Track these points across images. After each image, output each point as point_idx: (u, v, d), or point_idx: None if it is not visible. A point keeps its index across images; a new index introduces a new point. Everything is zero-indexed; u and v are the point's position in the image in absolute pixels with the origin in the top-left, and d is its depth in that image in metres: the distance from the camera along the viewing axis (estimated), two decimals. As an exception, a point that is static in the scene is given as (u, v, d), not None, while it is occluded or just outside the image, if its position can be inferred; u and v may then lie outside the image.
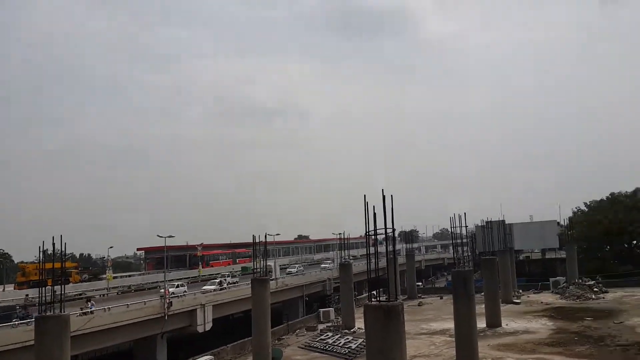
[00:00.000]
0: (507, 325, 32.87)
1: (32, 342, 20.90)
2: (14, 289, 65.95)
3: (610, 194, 68.36)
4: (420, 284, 68.31)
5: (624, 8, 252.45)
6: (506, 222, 53.80)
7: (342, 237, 41.91)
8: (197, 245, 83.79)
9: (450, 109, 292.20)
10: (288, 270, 75.71)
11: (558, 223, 75.42)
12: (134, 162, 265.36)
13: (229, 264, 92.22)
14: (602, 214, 65.05)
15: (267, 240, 30.84)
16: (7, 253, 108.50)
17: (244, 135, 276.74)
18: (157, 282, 68.83)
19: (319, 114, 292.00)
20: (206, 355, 27.69)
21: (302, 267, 79.73)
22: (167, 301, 37.94)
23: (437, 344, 29.25)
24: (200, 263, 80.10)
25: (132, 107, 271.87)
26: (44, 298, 18.49)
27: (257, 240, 28.99)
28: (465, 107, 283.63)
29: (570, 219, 68.75)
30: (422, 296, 51.77)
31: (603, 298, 41.64)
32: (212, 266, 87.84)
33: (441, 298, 49.05)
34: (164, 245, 50.34)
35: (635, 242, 63.20)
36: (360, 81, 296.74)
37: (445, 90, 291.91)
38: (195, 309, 41.18)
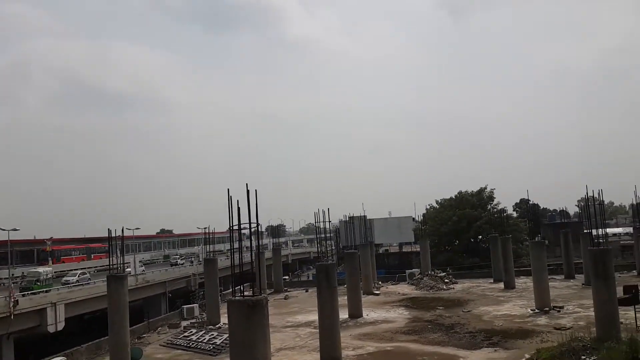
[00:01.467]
0: (367, 315, 34.40)
1: None
2: None
3: (458, 193, 74.67)
4: (287, 277, 69.32)
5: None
6: (367, 218, 56.34)
7: (207, 231, 40.92)
8: (46, 239, 77.58)
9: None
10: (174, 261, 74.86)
11: (413, 219, 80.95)
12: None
13: (83, 260, 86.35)
14: (451, 210, 70.88)
15: (126, 234, 29.09)
16: None
17: (93, 124, 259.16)
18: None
19: (178, 106, 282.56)
20: (58, 356, 25.61)
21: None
22: (13, 299, 34.50)
23: (302, 335, 29.78)
24: (50, 259, 74.20)
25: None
26: None
27: (114, 235, 27.19)
28: (321, 107, 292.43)
29: (424, 215, 74.07)
30: (289, 290, 52.48)
31: (453, 288, 45.22)
32: (63, 262, 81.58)
33: (307, 291, 50.08)
34: (7, 239, 45.83)
35: (480, 236, 69.70)
36: (222, 76, 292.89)
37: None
38: (46, 308, 38.05)
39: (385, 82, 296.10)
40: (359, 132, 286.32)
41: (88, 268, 76.29)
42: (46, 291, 42.53)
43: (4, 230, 44.55)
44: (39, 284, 44.68)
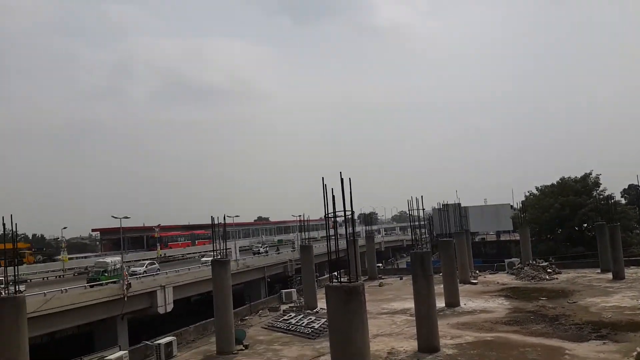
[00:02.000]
0: (465, 304, 33.79)
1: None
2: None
3: (560, 179, 70.60)
4: (380, 265, 69.40)
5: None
6: (462, 205, 55.00)
7: (302, 219, 42.04)
8: (155, 226, 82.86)
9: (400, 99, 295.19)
10: (257, 249, 76.41)
11: (511, 206, 77.73)
12: (83, 141, 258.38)
13: (188, 246, 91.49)
14: (553, 197, 67.26)
15: (227, 222, 30.66)
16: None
17: (194, 116, 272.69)
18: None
19: (270, 96, 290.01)
20: (168, 336, 27.44)
21: (266, 249, 79.78)
22: (126, 282, 37.42)
23: (398, 323, 29.87)
24: (158, 244, 79.23)
25: (76, 84, 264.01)
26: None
27: (216, 222, 28.76)
28: (412, 96, 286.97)
29: (523, 202, 70.91)
30: (383, 277, 52.62)
31: (556, 279, 43.19)
32: (170, 247, 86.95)
33: (401, 279, 49.97)
34: (119, 226, 49.67)
35: (585, 225, 65.69)
36: (314, 66, 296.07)
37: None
38: (155, 290, 40.79)
39: (475, 67, 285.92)
40: (450, 118, 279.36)
41: (193, 253, 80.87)
42: (155, 275, 45.69)
43: (116, 218, 48.47)
44: (106, 274, 40.73)
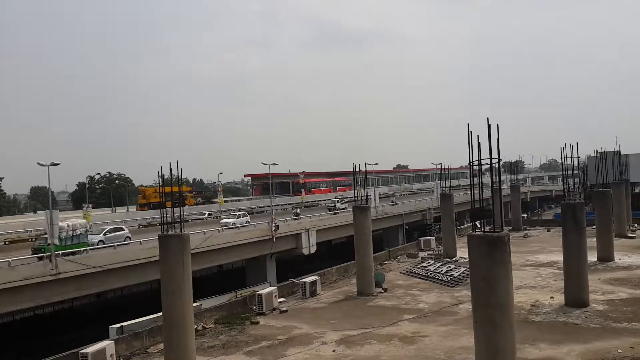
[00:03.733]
0: (620, 259, 31.30)
1: (157, 258, 23.30)
2: (136, 210, 72.65)
3: None
4: (525, 215, 66.19)
5: None
6: (622, 153, 49.87)
7: (442, 167, 41.16)
8: (299, 173, 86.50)
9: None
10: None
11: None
12: (236, 90, 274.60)
13: (330, 192, 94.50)
14: None
15: (367, 169, 31.19)
16: (128, 177, 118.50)
17: (338, 62, 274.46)
18: (263, 206, 72.45)
19: (417, 38, 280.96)
20: (313, 275, 29.14)
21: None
22: (274, 224, 40.05)
23: (544, 275, 28.63)
24: (302, 190, 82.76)
25: (229, 35, 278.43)
26: (165, 219, 19.99)
27: (356, 169, 29.39)
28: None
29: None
30: (528, 228, 50.26)
31: None
32: (313, 193, 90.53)
33: (548, 230, 47.37)
34: (268, 172, 52.74)
35: None
36: (461, 4, 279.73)
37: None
38: (300, 233, 43.14)
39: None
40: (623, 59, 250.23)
41: (334, 199, 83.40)
42: (299, 218, 48.27)
43: (265, 164, 51.46)
44: (58, 243, 28.19)
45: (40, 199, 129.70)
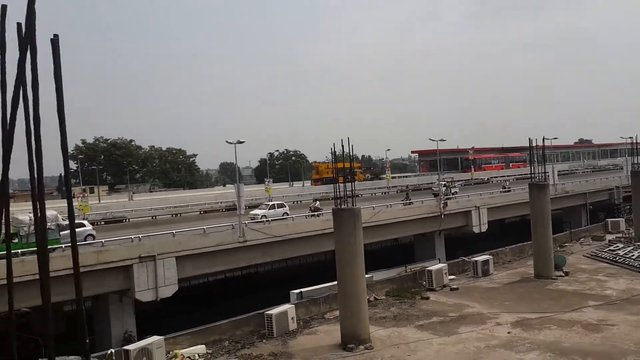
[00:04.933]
0: None
1: (330, 230, 24.61)
2: (311, 185, 76.90)
3: None
4: None
5: None
6: None
7: (635, 141, 36.60)
8: (469, 149, 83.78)
9: None
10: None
11: None
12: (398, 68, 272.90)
13: (502, 168, 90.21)
14: None
15: (544, 144, 28.98)
16: (302, 154, 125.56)
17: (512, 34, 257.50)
18: (431, 183, 71.65)
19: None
20: (485, 254, 28.31)
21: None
22: (443, 201, 39.46)
23: None
24: (472, 166, 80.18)
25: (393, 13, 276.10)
26: (337, 193, 20.94)
27: (533, 145, 27.51)
28: None
29: None
30: None
31: None
32: (484, 170, 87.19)
33: None
34: (436, 148, 51.88)
35: None
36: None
37: None
38: (470, 210, 41.88)
39: None
40: None
41: (507, 176, 79.55)
42: (468, 196, 46.70)
43: (433, 140, 50.63)
44: (17, 240, 22.85)
45: (228, 173, 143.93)
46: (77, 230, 24.23)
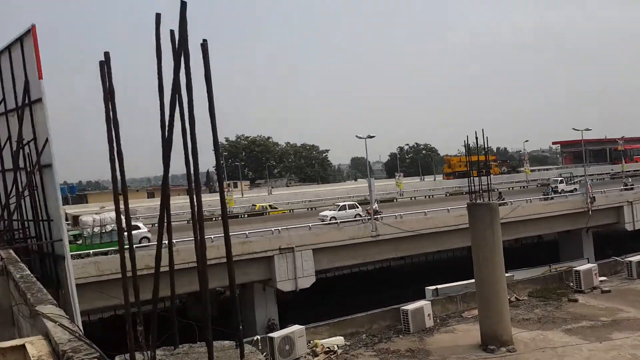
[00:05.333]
0: None
1: (464, 226, 23.85)
2: (443, 179, 75.31)
3: None
4: None
5: None
6: None
7: None
8: (618, 139, 76.71)
9: None
10: None
11: None
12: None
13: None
14: None
15: None
16: (433, 147, 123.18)
17: None
18: (576, 175, 66.33)
19: None
20: (635, 255, 25.55)
21: None
22: (590, 196, 36.33)
23: None
24: (622, 158, 73.12)
25: None
26: (472, 187, 20.12)
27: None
28: None
29: None
30: None
31: None
32: (636, 161, 79.31)
33: None
34: (580, 139, 47.84)
35: None
36: None
37: None
38: (622, 206, 38.12)
39: None
40: None
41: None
42: (620, 190, 42.22)
43: (577, 130, 46.62)
44: (80, 242, 24.97)
45: (360, 168, 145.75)
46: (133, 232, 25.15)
